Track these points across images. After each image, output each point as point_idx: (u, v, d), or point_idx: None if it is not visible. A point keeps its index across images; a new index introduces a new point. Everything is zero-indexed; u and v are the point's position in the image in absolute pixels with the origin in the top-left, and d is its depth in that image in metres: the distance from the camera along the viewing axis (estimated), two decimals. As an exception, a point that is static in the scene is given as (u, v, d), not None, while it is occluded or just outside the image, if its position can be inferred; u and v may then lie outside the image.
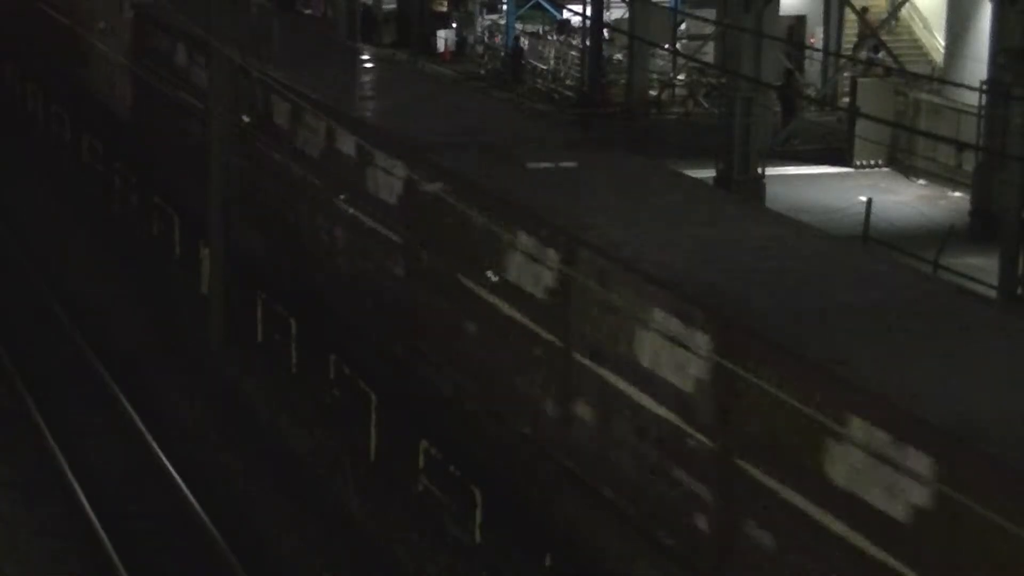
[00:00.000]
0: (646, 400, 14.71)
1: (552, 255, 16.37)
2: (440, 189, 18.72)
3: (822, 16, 43.49)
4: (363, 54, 30.52)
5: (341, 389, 20.75)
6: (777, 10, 35.35)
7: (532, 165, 19.19)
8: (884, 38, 41.30)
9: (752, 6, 31.64)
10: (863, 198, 29.24)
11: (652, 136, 36.65)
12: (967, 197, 31.43)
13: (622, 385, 15.10)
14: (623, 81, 42.48)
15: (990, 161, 29.76)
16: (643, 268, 15.16)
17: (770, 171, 32.54)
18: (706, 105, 41.57)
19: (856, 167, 35.31)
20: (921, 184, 34.02)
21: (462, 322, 18.23)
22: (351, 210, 21.17)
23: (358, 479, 19.13)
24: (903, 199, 32.56)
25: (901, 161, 35.16)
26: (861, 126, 34.24)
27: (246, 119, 25.09)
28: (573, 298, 15.95)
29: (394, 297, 20.07)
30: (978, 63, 32.91)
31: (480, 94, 26.09)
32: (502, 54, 47.47)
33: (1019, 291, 25.19)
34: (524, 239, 16.84)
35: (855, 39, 43.54)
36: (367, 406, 19.54)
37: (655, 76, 43.16)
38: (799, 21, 44.19)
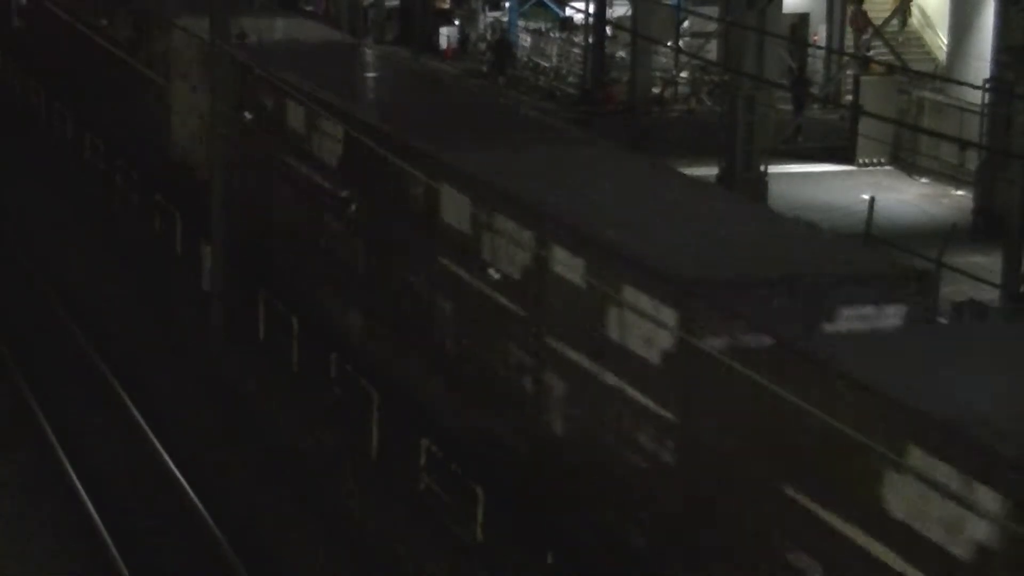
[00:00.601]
0: None
1: (992, 503, 10.60)
2: (740, 356, 13.14)
3: (825, 14, 43.49)
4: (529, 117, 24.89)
5: (342, 387, 20.76)
6: (780, 8, 35.33)
7: (872, 322, 13.66)
8: (886, 35, 41.31)
9: (755, 3, 31.61)
10: (866, 196, 29.20)
11: (655, 134, 36.63)
12: (970, 195, 31.43)
13: None
14: (626, 79, 42.47)
15: (993, 159, 29.74)
16: None
17: (773, 169, 32.54)
18: (709, 103, 41.57)
19: (859, 165, 35.32)
20: (924, 182, 34.01)
21: (793, 550, 12.55)
22: (581, 359, 15.60)
23: (359, 478, 19.12)
24: (906, 197, 32.55)
25: (904, 159, 35.15)
26: (864, 124, 34.24)
27: (248, 116, 24.77)
28: None
29: (656, 480, 14.58)
30: (981, 61, 32.90)
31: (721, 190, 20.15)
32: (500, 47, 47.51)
33: (1022, 289, 25.13)
34: (920, 458, 11.19)
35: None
36: (368, 405, 19.55)
37: (658, 74, 43.15)
38: (802, 19, 44.20)
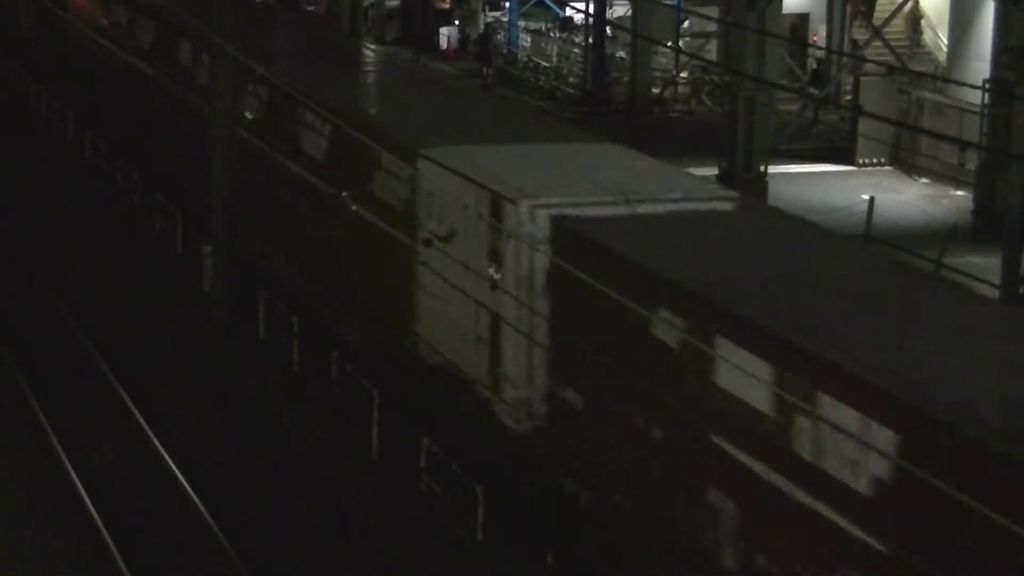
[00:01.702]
0: None
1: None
2: None
3: (825, 14, 43.53)
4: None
5: (343, 387, 20.78)
6: (780, 8, 35.36)
7: None
8: (888, 36, 41.35)
9: (755, 4, 31.63)
10: (866, 197, 29.23)
11: (655, 134, 36.65)
12: (969, 196, 31.44)
13: None
14: (626, 79, 42.51)
15: (993, 160, 29.76)
16: None
17: (773, 169, 32.57)
18: (709, 103, 41.61)
19: (859, 166, 35.35)
20: (924, 183, 34.03)
21: None
22: None
23: (359, 478, 19.15)
24: (906, 198, 32.57)
25: (904, 160, 35.16)
26: (864, 124, 34.26)
27: (248, 116, 24.71)
28: None
29: None
30: (981, 62, 32.91)
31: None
32: (504, 51, 47.63)
33: (1021, 290, 25.16)
34: None
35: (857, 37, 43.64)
36: (369, 405, 19.57)
37: (658, 74, 43.18)
38: (802, 19, 44.26)
